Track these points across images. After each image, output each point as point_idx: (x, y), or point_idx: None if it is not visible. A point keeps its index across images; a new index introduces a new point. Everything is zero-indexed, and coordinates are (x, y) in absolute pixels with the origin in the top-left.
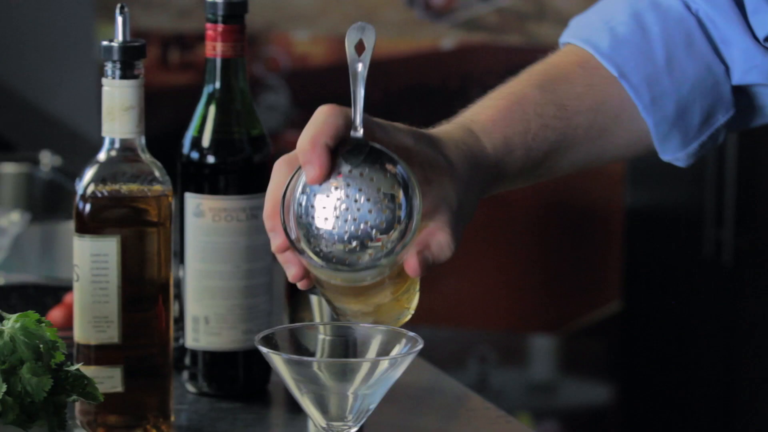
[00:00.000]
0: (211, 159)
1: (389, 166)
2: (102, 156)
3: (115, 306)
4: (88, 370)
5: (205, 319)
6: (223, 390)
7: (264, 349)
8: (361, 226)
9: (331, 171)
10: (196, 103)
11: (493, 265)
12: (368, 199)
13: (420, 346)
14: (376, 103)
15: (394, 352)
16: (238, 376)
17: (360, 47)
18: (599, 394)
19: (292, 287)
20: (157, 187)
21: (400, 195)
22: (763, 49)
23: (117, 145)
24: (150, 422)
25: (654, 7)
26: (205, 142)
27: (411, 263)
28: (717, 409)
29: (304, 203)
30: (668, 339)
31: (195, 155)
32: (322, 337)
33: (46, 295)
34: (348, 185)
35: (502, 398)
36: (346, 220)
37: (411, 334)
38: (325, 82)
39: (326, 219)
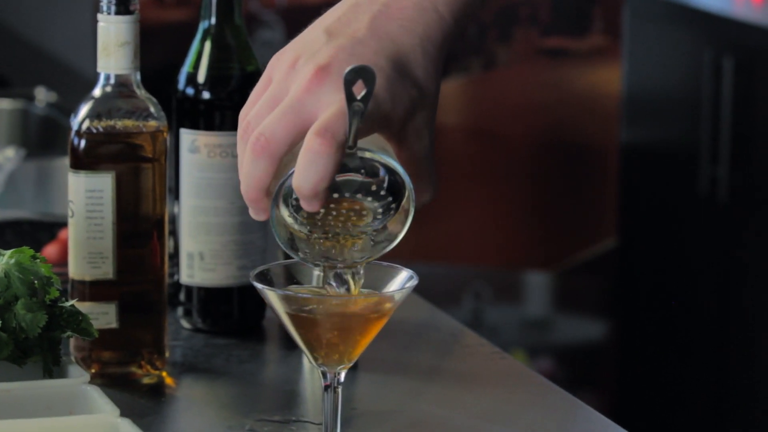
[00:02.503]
0: (206, 95)
1: (380, 179)
2: (97, 92)
3: (110, 242)
4: (83, 306)
5: (200, 255)
6: (218, 326)
7: (259, 285)
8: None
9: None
10: (191, 39)
11: (488, 202)
12: (360, 215)
13: (415, 283)
14: None
15: (389, 288)
16: (233, 312)
17: (359, 87)
18: (594, 330)
19: None
20: (152, 123)
21: (391, 206)
22: None
23: (112, 80)
24: (144, 358)
25: None
26: (201, 78)
27: None
28: (712, 343)
29: (293, 216)
30: (663, 275)
31: (190, 91)
32: (317, 273)
33: (41, 231)
34: (337, 208)
35: (496, 335)
36: (330, 232)
37: (406, 270)
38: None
39: (314, 235)
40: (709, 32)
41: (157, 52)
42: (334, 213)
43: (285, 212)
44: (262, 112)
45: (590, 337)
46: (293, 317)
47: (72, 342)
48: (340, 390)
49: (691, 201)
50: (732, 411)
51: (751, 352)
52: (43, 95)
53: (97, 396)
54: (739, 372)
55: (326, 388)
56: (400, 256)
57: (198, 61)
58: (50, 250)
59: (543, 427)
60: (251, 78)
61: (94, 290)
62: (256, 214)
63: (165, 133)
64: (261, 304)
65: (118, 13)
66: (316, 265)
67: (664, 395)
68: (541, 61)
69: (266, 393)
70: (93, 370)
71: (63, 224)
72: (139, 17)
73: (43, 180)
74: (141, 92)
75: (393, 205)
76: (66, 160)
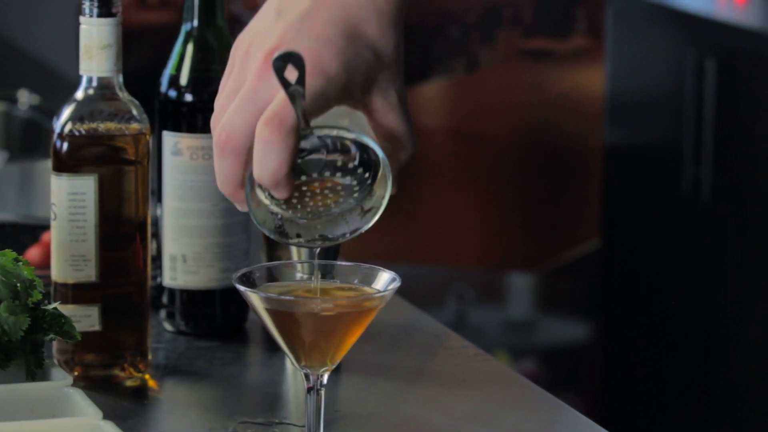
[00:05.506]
0: (188, 97)
1: (347, 154)
2: (80, 94)
3: (93, 244)
4: (66, 309)
5: (182, 257)
6: (201, 328)
7: (241, 288)
8: (327, 214)
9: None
10: (173, 42)
11: (471, 203)
12: (334, 193)
13: (397, 284)
14: None
15: (372, 290)
16: (216, 314)
17: (290, 72)
18: (577, 331)
19: None
20: (135, 126)
21: (365, 181)
22: None
23: (95, 83)
24: (127, 361)
25: None
26: (183, 80)
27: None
28: (695, 343)
29: (272, 202)
30: (646, 277)
31: (173, 93)
32: (300, 275)
33: (24, 233)
34: (311, 188)
35: (479, 336)
36: (312, 212)
37: (389, 272)
38: None
39: (292, 212)
40: (692, 33)
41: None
42: (309, 194)
43: (264, 200)
44: (224, 104)
45: (573, 339)
46: (276, 319)
47: (55, 345)
48: (323, 392)
49: (674, 202)
50: (716, 411)
51: (735, 353)
52: (25, 98)
53: (80, 399)
54: (723, 372)
55: (309, 390)
56: (383, 258)
57: (180, 63)
58: (33, 253)
59: (526, 429)
60: None
61: (77, 293)
62: (240, 207)
63: (147, 136)
64: (244, 306)
65: (100, 15)
66: (312, 246)
67: (647, 396)
68: (524, 62)
69: (249, 395)
70: (76, 373)
71: (46, 227)
72: (121, 20)
73: (25, 182)
74: (123, 95)
75: (367, 176)
76: (49, 163)
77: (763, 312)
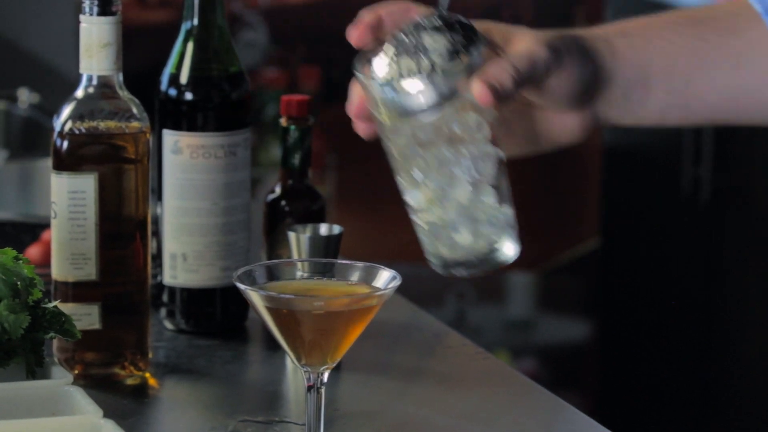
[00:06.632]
0: (188, 96)
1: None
2: (80, 93)
3: (93, 243)
4: (66, 308)
5: (182, 256)
6: (201, 327)
7: (242, 286)
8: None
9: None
10: (174, 40)
11: None
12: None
13: (398, 283)
14: None
15: (372, 288)
16: (216, 313)
17: None
18: (577, 331)
19: (269, 224)
20: (135, 124)
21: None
22: None
23: (95, 82)
24: (128, 359)
25: None
26: (183, 79)
27: (476, 89)
28: (694, 343)
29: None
30: (646, 276)
31: (173, 92)
32: (300, 274)
33: (24, 232)
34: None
35: (479, 335)
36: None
37: (389, 270)
38: (303, 19)
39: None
40: None
41: (140, 53)
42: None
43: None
44: None
45: (573, 338)
46: (276, 318)
47: (55, 343)
48: (323, 390)
49: (673, 201)
50: (715, 410)
51: (735, 351)
52: (25, 96)
53: (80, 397)
54: (722, 371)
55: (309, 388)
56: (383, 257)
57: (180, 62)
58: (33, 252)
59: (526, 427)
60: (234, 79)
61: (77, 291)
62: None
63: (148, 134)
64: (244, 304)
65: (100, 14)
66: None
67: (646, 395)
68: None
69: (249, 394)
70: (76, 371)
71: (46, 225)
72: (121, 18)
73: (25, 181)
74: (123, 93)
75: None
76: (49, 162)
77: (762, 311)
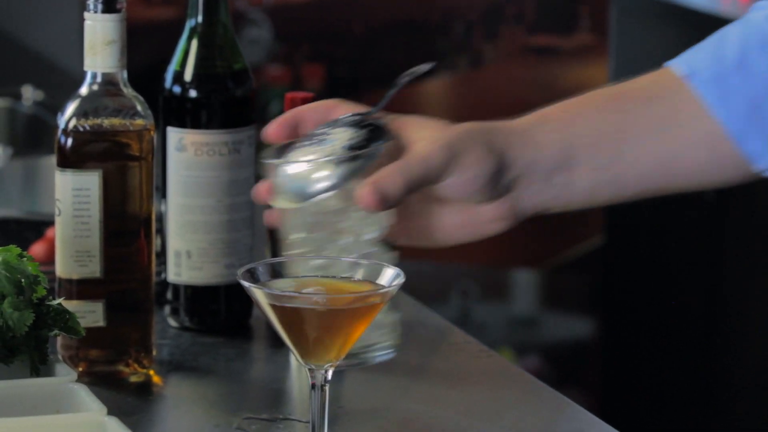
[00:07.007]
0: (193, 93)
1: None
2: (84, 90)
3: (97, 240)
4: (70, 305)
5: (187, 253)
6: (205, 324)
7: (246, 284)
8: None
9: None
10: (178, 38)
11: None
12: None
13: (402, 280)
14: (358, 36)
15: (376, 286)
16: (220, 310)
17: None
18: (581, 328)
19: None
20: (139, 122)
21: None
22: None
23: (99, 79)
24: (132, 357)
25: (741, 22)
26: (188, 76)
27: (362, 192)
28: (698, 340)
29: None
30: (650, 274)
31: (177, 89)
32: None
33: (28, 229)
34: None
35: (483, 333)
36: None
37: (393, 267)
38: (307, 16)
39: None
40: (697, 30)
41: (144, 50)
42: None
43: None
44: None
45: (577, 335)
46: (280, 315)
47: (59, 340)
48: (327, 388)
49: (677, 198)
50: (718, 407)
51: (738, 349)
52: (29, 94)
53: (84, 394)
54: (725, 369)
55: (313, 386)
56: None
57: (185, 59)
58: (37, 249)
59: (530, 425)
60: (238, 76)
61: (81, 289)
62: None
63: (152, 132)
64: (248, 302)
65: (104, 11)
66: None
67: (650, 392)
68: (528, 59)
69: (254, 391)
70: (80, 369)
71: (50, 223)
72: (125, 15)
73: (30, 178)
74: (128, 90)
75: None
76: (53, 159)
77: (766, 309)
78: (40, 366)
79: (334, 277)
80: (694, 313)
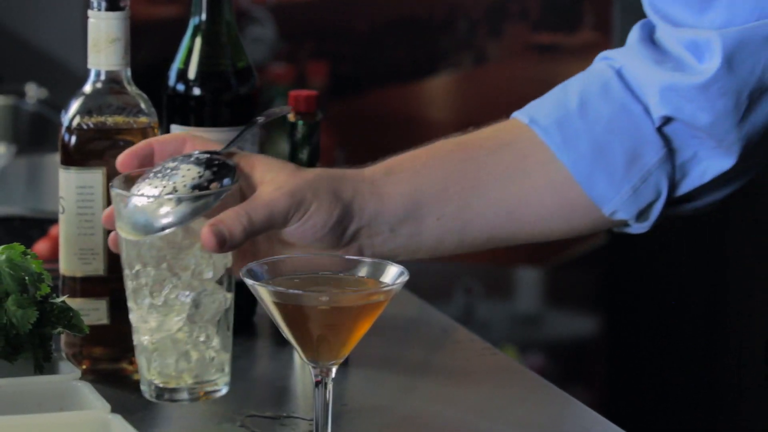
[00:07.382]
0: (196, 91)
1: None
2: (88, 88)
3: (101, 238)
4: (74, 303)
5: None
6: None
7: (249, 281)
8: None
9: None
10: (182, 36)
11: None
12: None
13: (405, 278)
14: (362, 34)
15: (380, 284)
16: None
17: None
18: (584, 326)
19: None
20: (143, 119)
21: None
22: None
23: (103, 77)
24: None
25: (583, 73)
26: (191, 74)
27: (203, 233)
28: (701, 338)
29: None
30: (653, 271)
31: (181, 87)
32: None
33: (32, 227)
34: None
35: (487, 330)
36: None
37: (397, 265)
38: (310, 14)
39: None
40: None
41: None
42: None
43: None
44: None
45: (581, 333)
46: (284, 313)
47: (63, 338)
48: (331, 386)
49: None
50: (721, 405)
51: (741, 347)
52: (33, 92)
53: (87, 392)
54: (728, 367)
55: (317, 383)
56: None
57: (188, 57)
58: (41, 247)
59: (533, 422)
60: (242, 74)
61: (85, 286)
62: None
63: (155, 129)
64: (252, 300)
65: (108, 9)
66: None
67: (654, 390)
68: (532, 56)
69: (257, 389)
70: (84, 366)
71: (54, 220)
72: (129, 13)
73: (33, 176)
74: (131, 88)
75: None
76: (57, 157)
77: None
78: (44, 364)
79: (338, 273)
80: (698, 311)
